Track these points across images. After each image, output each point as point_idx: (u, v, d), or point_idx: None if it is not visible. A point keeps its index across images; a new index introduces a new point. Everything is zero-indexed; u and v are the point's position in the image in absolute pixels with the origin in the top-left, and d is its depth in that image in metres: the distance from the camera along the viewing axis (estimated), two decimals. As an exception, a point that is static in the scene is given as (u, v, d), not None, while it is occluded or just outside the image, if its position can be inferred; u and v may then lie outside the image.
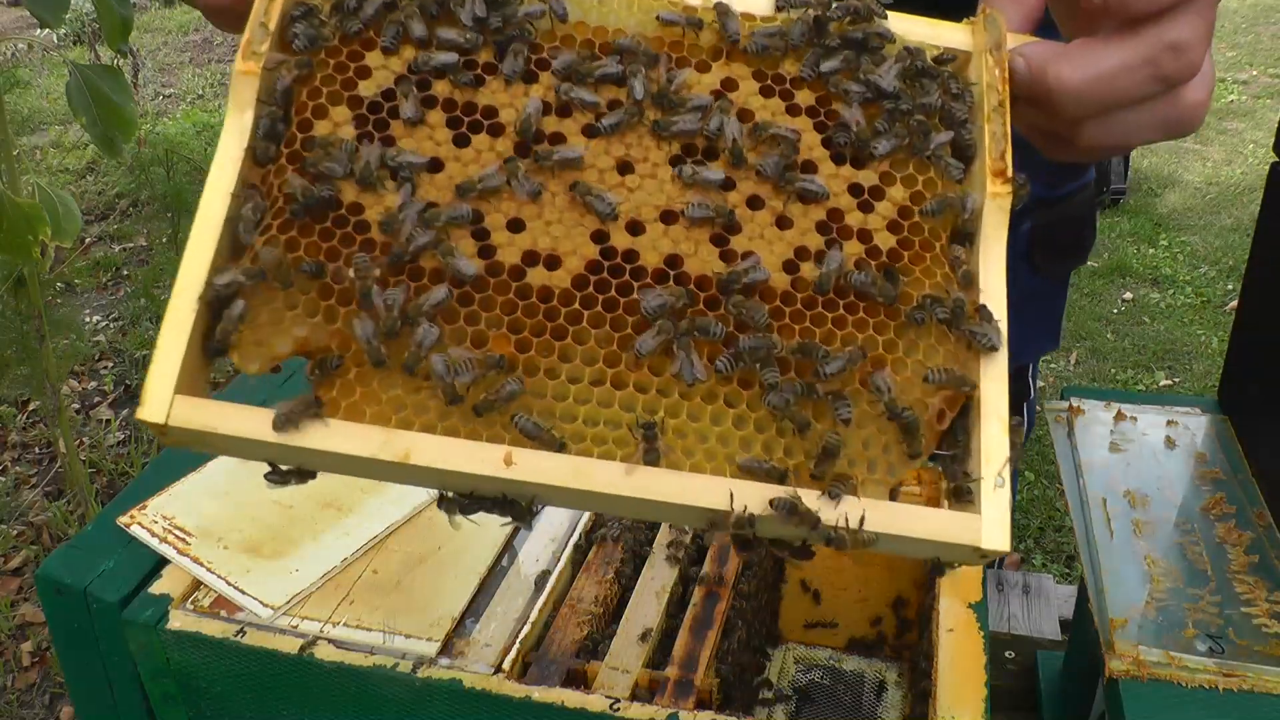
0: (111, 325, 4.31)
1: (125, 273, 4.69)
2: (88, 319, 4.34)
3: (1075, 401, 1.33)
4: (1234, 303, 4.07)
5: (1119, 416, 1.31)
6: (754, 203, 0.69)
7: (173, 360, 0.62)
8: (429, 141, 0.68)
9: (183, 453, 1.23)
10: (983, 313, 0.66)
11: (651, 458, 0.64)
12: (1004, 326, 0.66)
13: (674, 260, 0.67)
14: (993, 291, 0.67)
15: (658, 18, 0.73)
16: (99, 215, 5.15)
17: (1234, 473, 1.21)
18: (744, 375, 0.66)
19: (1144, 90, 0.68)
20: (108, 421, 3.72)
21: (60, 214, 2.36)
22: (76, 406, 3.75)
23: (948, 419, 0.67)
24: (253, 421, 0.62)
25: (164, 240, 4.20)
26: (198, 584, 1.03)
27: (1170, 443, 1.26)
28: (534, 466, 0.63)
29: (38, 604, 2.80)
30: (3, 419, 3.69)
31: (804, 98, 0.72)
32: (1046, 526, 3.24)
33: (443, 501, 0.67)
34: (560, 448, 0.64)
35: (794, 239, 0.68)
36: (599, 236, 0.68)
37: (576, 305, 0.67)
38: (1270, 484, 1.18)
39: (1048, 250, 1.58)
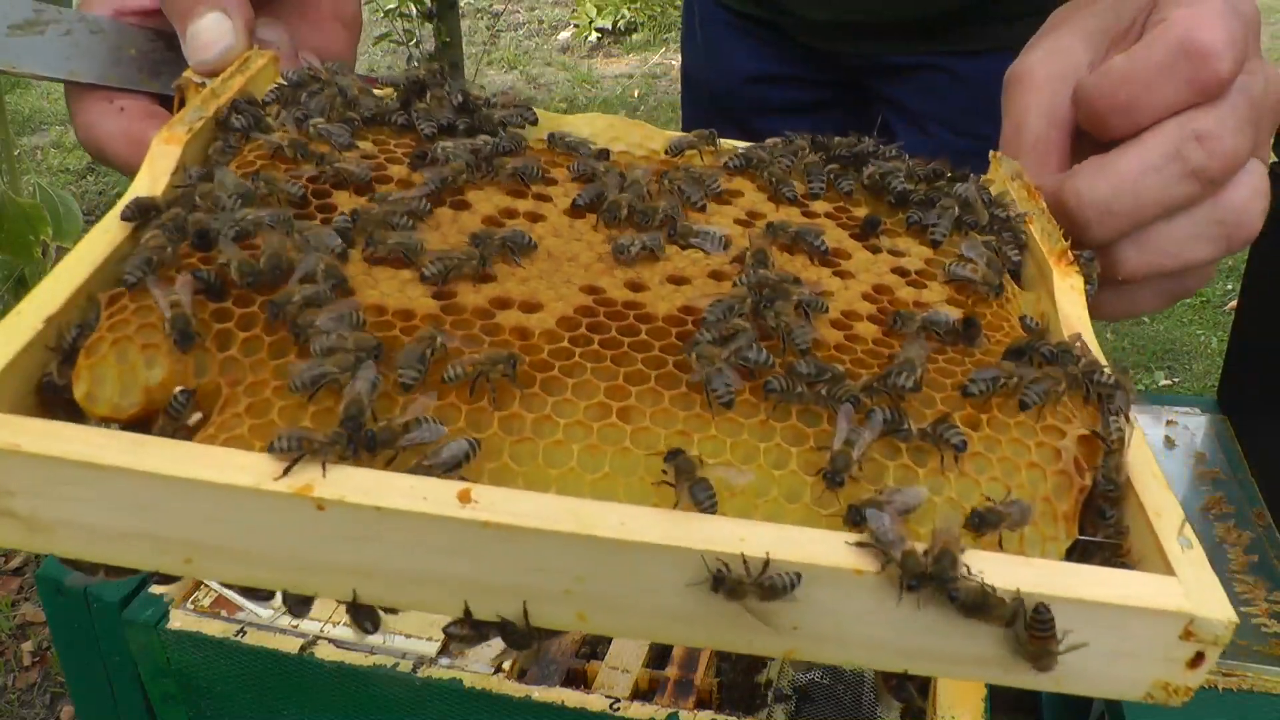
0: (112, 325, 4.31)
1: (126, 273, 4.68)
2: (88, 319, 4.34)
3: (1075, 401, 1.33)
4: (1234, 303, 4.07)
5: (1119, 416, 1.31)
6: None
7: None
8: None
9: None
10: (1094, 364, 0.55)
11: (700, 500, 0.46)
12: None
13: (691, 310, 0.56)
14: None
15: (668, 149, 0.72)
16: (99, 215, 5.14)
17: (1233, 473, 1.21)
18: (804, 413, 0.52)
19: (1175, 191, 0.59)
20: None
21: (61, 214, 2.36)
22: (77, 406, 3.75)
23: (1087, 474, 0.52)
24: (87, 441, 0.45)
25: (164, 240, 4.19)
26: (198, 583, 1.04)
27: (1170, 442, 1.26)
28: (505, 507, 0.45)
29: (38, 604, 2.80)
30: (3, 419, 3.69)
31: (820, 207, 0.70)
32: (1047, 526, 3.24)
33: (353, 609, 0.49)
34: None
35: (840, 304, 0.60)
36: (591, 290, 0.58)
37: (565, 344, 0.53)
38: (1270, 484, 1.18)
39: None
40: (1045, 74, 0.68)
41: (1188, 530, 0.50)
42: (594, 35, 6.36)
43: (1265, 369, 1.26)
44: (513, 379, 0.50)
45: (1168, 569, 0.48)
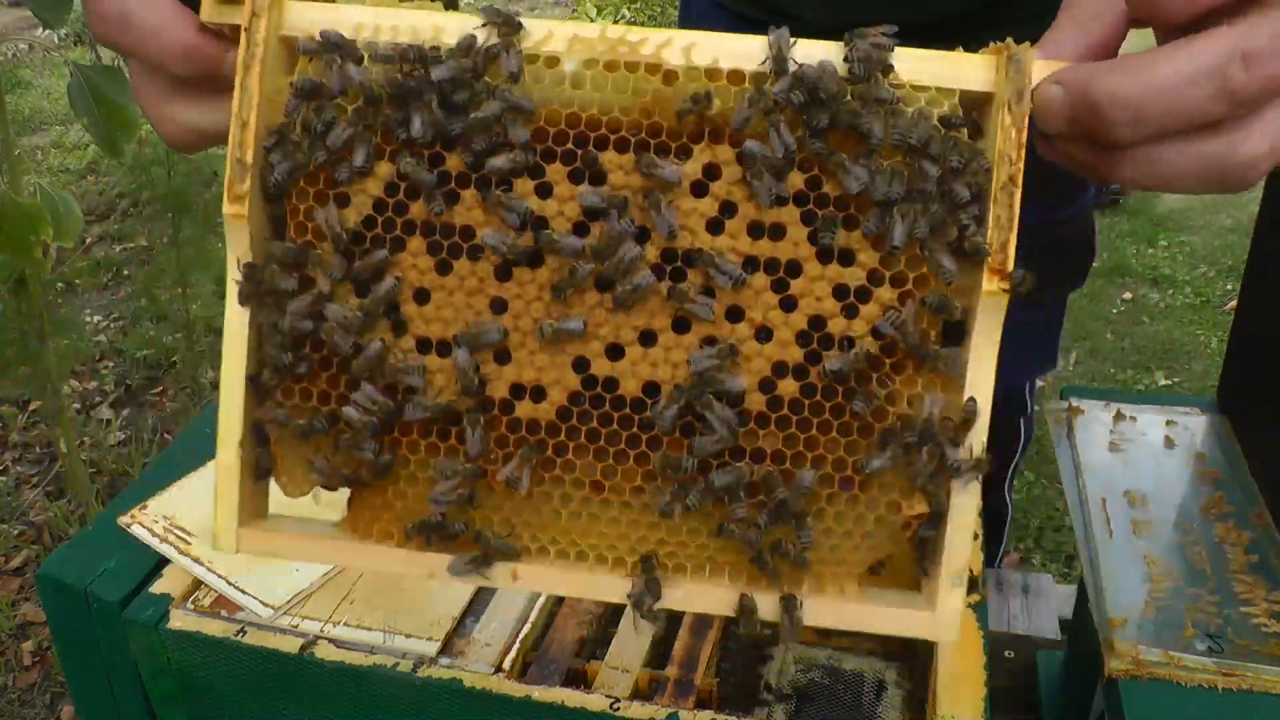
0: (112, 325, 4.32)
1: (126, 273, 4.69)
2: (88, 319, 4.35)
3: (1075, 401, 1.33)
4: (1233, 303, 4.07)
5: (1118, 416, 1.31)
6: (733, 314, 0.65)
7: (230, 500, 0.70)
8: (414, 270, 0.66)
9: (183, 453, 1.23)
10: (957, 432, 0.63)
11: (653, 587, 0.67)
12: (983, 437, 0.63)
13: (652, 388, 0.67)
14: (979, 396, 0.63)
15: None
16: (100, 215, 5.15)
17: (1233, 473, 1.21)
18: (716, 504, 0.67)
19: (1205, 109, 0.56)
20: (108, 421, 3.72)
21: (62, 214, 2.37)
22: (77, 406, 3.76)
23: (913, 530, 0.66)
24: (306, 543, 0.71)
25: (164, 240, 4.21)
26: (198, 583, 1.04)
27: (1170, 443, 1.26)
28: (539, 579, 0.69)
29: (39, 604, 2.80)
30: (4, 419, 3.69)
31: (794, 179, 0.64)
32: (1046, 526, 3.24)
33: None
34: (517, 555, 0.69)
35: (773, 353, 0.65)
36: (579, 365, 0.67)
37: (562, 437, 0.69)
38: (1270, 484, 1.18)
39: (1044, 276, 1.56)
40: None
41: (965, 575, 0.65)
42: (594, 35, 6.34)
43: (1265, 369, 1.26)
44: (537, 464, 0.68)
45: (932, 600, 0.66)
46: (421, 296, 0.67)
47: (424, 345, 0.67)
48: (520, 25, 0.64)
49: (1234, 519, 1.13)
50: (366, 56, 0.65)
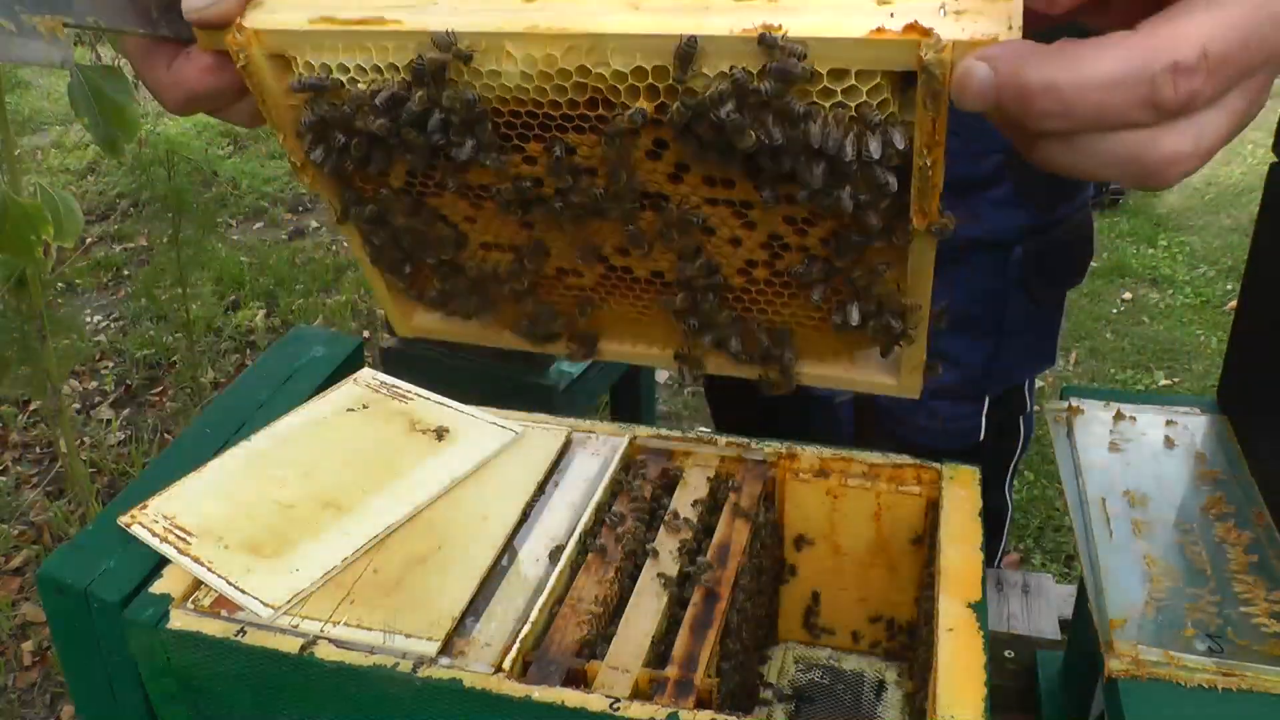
0: (112, 325, 4.32)
1: (126, 273, 4.70)
2: (88, 319, 4.35)
3: (1074, 401, 1.33)
4: (1233, 303, 4.07)
5: (1118, 416, 1.31)
6: (708, 230, 0.79)
7: (395, 315, 0.98)
8: (456, 207, 0.85)
9: (183, 453, 1.23)
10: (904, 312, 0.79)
11: (692, 365, 0.91)
12: (924, 319, 0.78)
13: (658, 273, 0.87)
14: (921, 299, 0.77)
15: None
16: (100, 215, 5.15)
17: (1233, 473, 1.21)
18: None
19: (1130, 116, 0.55)
20: (108, 421, 3.73)
21: (62, 214, 2.36)
22: (77, 406, 3.76)
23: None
24: (456, 329, 0.98)
25: (164, 240, 4.21)
26: (198, 583, 1.04)
27: (1170, 442, 1.26)
28: (614, 353, 0.98)
29: (39, 603, 2.80)
30: (4, 419, 3.70)
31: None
32: (1046, 526, 3.24)
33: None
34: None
35: (744, 254, 0.81)
36: (600, 259, 0.86)
37: (604, 294, 0.91)
38: (1269, 484, 1.18)
39: (1042, 276, 1.56)
40: None
41: (922, 369, 0.85)
42: (594, 35, 6.35)
43: (1265, 369, 1.26)
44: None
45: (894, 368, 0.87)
46: (470, 220, 0.85)
47: (486, 246, 0.88)
48: (470, 57, 0.69)
49: (1234, 519, 1.13)
50: (345, 84, 0.75)
